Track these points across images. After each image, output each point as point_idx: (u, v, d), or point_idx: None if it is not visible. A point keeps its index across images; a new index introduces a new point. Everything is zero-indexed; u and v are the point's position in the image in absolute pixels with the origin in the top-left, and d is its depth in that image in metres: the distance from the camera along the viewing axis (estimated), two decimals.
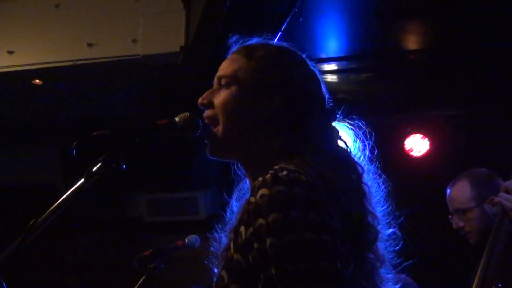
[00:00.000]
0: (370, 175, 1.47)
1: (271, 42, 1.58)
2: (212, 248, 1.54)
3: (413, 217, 1.68)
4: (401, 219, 1.51)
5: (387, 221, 1.46)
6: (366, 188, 1.41)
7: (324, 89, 1.52)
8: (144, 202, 5.42)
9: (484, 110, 4.73)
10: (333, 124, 1.51)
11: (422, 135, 4.82)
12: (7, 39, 3.97)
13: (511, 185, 2.59)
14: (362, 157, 1.49)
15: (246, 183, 1.54)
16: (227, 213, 1.55)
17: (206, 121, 1.48)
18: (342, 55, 4.47)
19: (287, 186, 1.20)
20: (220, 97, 1.47)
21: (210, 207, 5.22)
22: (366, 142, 1.51)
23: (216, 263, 1.50)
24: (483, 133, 4.67)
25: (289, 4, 3.28)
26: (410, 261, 1.57)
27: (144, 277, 3.01)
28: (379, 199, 1.47)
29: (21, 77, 4.08)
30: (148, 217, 5.46)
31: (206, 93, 1.51)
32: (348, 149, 1.48)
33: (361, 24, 3.93)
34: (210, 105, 1.49)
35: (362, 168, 1.44)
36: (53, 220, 1.30)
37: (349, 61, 4.58)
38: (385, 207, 1.47)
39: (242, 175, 1.56)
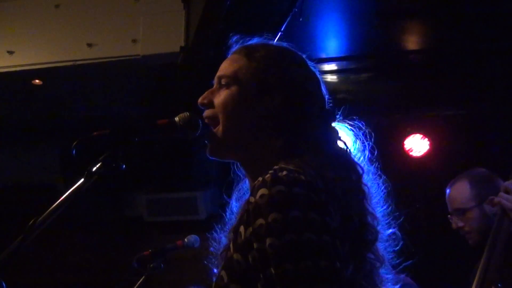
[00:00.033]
0: (370, 175, 1.47)
1: (271, 42, 1.58)
2: (211, 248, 1.54)
3: (412, 217, 1.68)
4: (401, 219, 1.51)
5: (387, 221, 1.47)
6: (366, 188, 1.41)
7: (324, 90, 1.52)
8: (144, 202, 5.42)
9: (484, 110, 4.73)
10: (333, 124, 1.51)
11: (422, 135, 4.82)
12: (7, 39, 3.97)
13: (511, 185, 2.58)
14: (362, 158, 1.49)
15: (246, 183, 1.54)
16: (227, 213, 1.55)
17: (206, 120, 1.48)
18: (342, 55, 4.48)
19: (286, 186, 1.20)
20: (220, 97, 1.47)
21: (209, 207, 5.22)
22: (366, 143, 1.51)
23: (215, 263, 1.50)
24: (483, 133, 4.67)
25: (289, 4, 3.28)
26: (410, 261, 1.57)
27: (143, 277, 3.01)
28: (379, 200, 1.47)
29: (21, 77, 4.08)
30: (148, 217, 5.46)
31: (206, 92, 1.51)
32: (348, 150, 1.48)
33: (361, 24, 3.93)
34: (210, 104, 1.49)
35: (362, 169, 1.44)
36: (53, 220, 1.30)
37: (349, 61, 4.59)
38: (385, 207, 1.47)
39: (241, 175, 1.56)
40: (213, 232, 1.55)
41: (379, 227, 1.41)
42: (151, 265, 2.98)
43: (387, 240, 1.45)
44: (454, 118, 4.84)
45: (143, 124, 1.45)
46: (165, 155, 4.89)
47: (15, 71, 3.95)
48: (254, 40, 1.56)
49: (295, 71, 1.48)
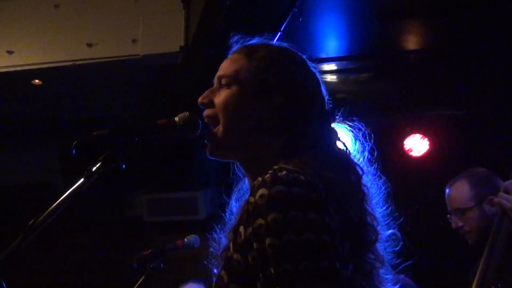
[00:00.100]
0: (370, 176, 1.47)
1: (272, 42, 1.58)
2: (211, 249, 1.54)
3: (412, 218, 1.68)
4: (401, 219, 1.51)
5: (387, 222, 1.47)
6: (365, 189, 1.41)
7: (324, 90, 1.52)
8: (144, 202, 5.42)
9: (484, 110, 4.73)
10: (333, 125, 1.51)
11: (421, 135, 4.82)
12: (7, 39, 3.97)
13: (510, 185, 2.58)
14: (361, 159, 1.49)
15: (246, 183, 1.54)
16: (227, 213, 1.55)
17: (206, 120, 1.48)
18: (342, 55, 4.47)
19: (286, 186, 1.20)
20: (220, 97, 1.47)
21: (209, 207, 5.22)
22: (366, 144, 1.51)
23: (215, 263, 1.50)
24: (483, 133, 4.66)
25: (289, 4, 3.28)
26: (409, 262, 1.57)
27: (143, 277, 3.01)
28: (378, 200, 1.47)
29: (21, 77, 4.08)
30: (147, 217, 5.46)
31: (206, 92, 1.51)
32: (348, 151, 1.48)
33: (361, 24, 3.93)
34: (211, 104, 1.49)
35: (362, 170, 1.44)
36: (53, 220, 1.30)
37: (349, 61, 4.58)
38: (384, 208, 1.47)
39: (241, 175, 1.56)
40: (213, 232, 1.55)
41: (379, 228, 1.41)
42: (151, 265, 2.98)
43: (387, 241, 1.45)
44: (454, 118, 4.83)
45: (143, 124, 1.45)
46: (165, 155, 4.89)
47: (15, 71, 3.95)
48: (255, 40, 1.56)
49: (295, 71, 1.48)
